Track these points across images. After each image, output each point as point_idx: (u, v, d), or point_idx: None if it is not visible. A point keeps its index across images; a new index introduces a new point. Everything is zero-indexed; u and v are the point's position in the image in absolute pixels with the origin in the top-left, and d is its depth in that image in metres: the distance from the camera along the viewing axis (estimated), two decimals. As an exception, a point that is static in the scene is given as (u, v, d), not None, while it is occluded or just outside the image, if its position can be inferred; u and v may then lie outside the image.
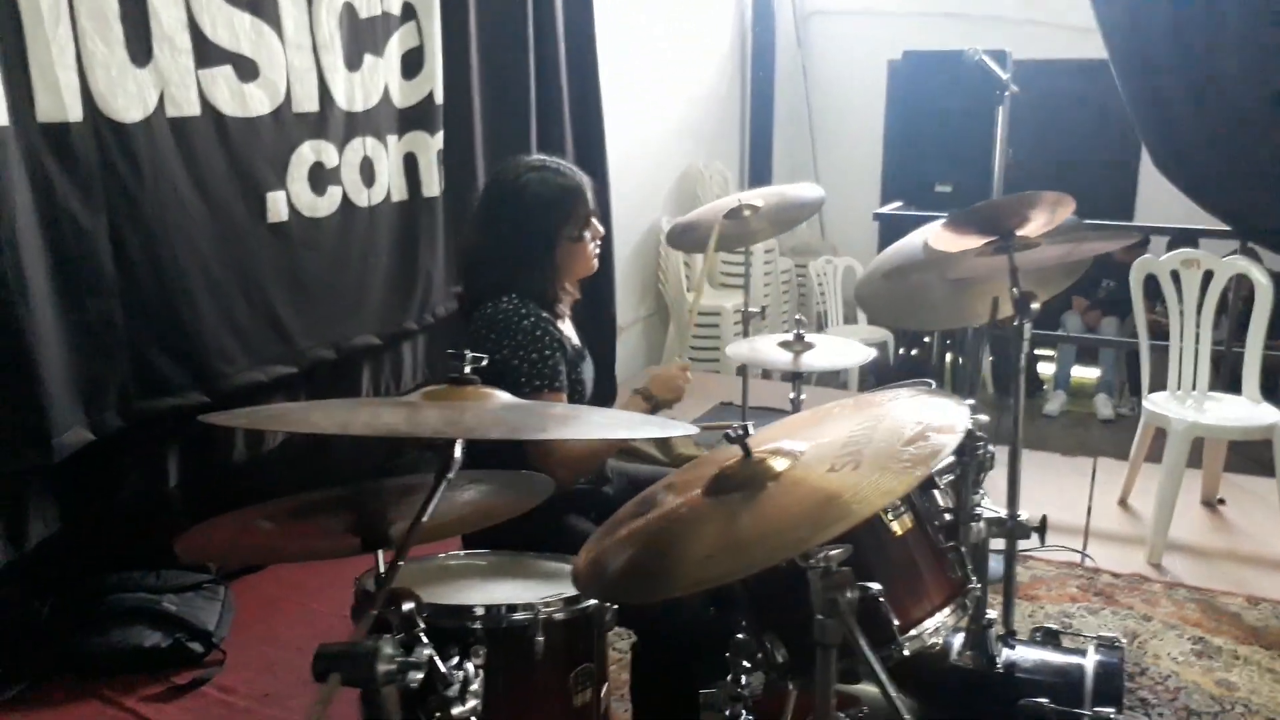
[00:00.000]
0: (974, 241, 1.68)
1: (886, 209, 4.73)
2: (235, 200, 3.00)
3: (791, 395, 2.55)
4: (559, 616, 1.53)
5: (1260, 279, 3.54)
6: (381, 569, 1.41)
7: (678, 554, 1.11)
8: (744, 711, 2.02)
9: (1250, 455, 4.10)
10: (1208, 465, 3.82)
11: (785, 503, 1.10)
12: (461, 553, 1.85)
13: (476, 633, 1.49)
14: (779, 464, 1.18)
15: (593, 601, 1.59)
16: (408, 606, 1.36)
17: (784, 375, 4.64)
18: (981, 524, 1.59)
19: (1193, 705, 2.64)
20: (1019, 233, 1.65)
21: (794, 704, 1.62)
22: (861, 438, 1.17)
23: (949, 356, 5.84)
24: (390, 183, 3.52)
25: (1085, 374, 6.46)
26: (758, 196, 2.72)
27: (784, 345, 2.48)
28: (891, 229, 5.67)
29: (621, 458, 2.41)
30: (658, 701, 2.07)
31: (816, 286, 6.36)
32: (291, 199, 3.17)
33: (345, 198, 3.35)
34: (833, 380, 5.88)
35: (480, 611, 1.50)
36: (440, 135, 3.65)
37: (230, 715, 2.58)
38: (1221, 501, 3.87)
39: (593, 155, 4.36)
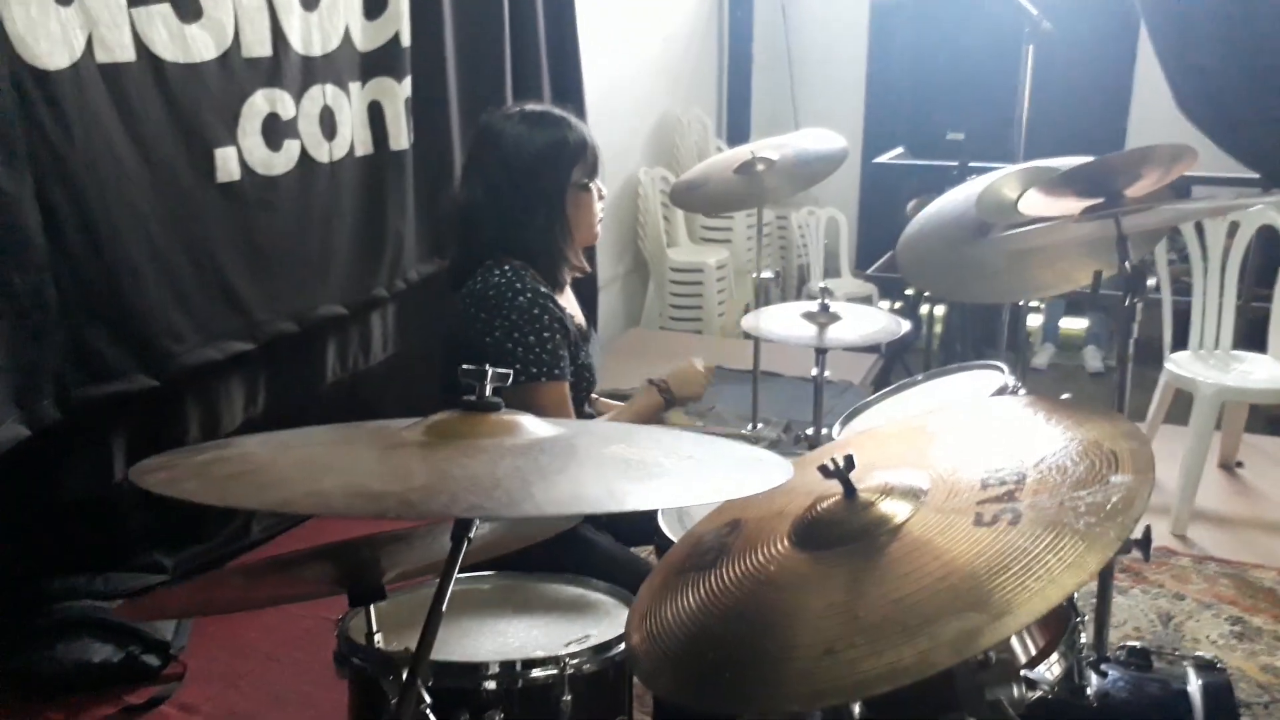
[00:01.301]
0: (1073, 205, 1.43)
1: (885, 157, 4.45)
2: (179, 158, 2.66)
3: (814, 372, 2.30)
4: (588, 668, 1.28)
5: (1289, 230, 3.33)
6: (374, 625, 1.14)
7: (781, 644, 0.83)
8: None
9: (1265, 415, 3.92)
10: (1228, 427, 3.64)
11: (923, 572, 0.83)
12: (461, 576, 1.57)
13: (491, 694, 1.23)
14: (897, 509, 0.92)
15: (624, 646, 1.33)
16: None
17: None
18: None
19: (1241, 695, 2.46)
20: (1128, 193, 1.40)
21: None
22: (1008, 474, 0.91)
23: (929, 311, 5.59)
24: (354, 135, 3.18)
25: (1073, 325, 6.27)
26: (772, 148, 2.44)
27: (808, 317, 2.22)
28: (886, 178, 5.41)
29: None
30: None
31: (799, 239, 6.09)
32: (243, 155, 2.83)
33: (304, 152, 3.01)
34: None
35: (495, 669, 1.23)
36: (408, 82, 3.30)
37: (193, 738, 2.32)
38: (1240, 464, 3.70)
39: (571, 100, 4.03)
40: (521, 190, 1.88)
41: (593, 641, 1.31)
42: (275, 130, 2.91)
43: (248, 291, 2.89)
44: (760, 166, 2.38)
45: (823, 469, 0.93)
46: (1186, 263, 3.54)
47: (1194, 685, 1.50)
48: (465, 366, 0.92)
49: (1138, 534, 1.50)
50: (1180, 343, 3.50)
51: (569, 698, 1.24)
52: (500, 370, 0.93)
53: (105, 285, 2.51)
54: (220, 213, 2.79)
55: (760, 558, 0.96)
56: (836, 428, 1.88)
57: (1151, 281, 1.44)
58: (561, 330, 1.83)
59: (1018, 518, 0.84)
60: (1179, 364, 3.37)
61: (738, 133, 6.35)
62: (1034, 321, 6.24)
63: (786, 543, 0.96)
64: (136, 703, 2.40)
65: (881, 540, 0.89)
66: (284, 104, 2.93)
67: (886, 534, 0.90)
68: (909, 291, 5.93)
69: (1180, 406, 3.39)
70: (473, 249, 1.92)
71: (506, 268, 1.83)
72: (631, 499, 0.75)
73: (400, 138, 3.34)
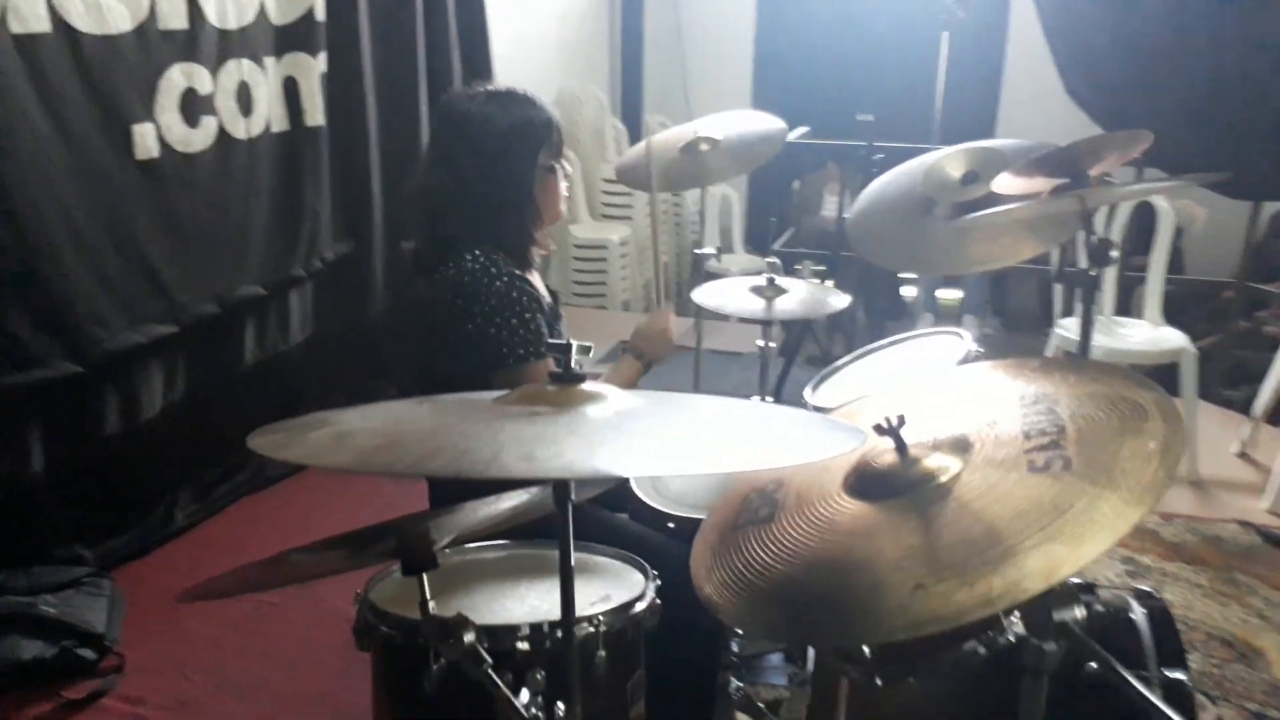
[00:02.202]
0: (1042, 185, 1.55)
1: (793, 136, 4.57)
2: (98, 134, 2.57)
3: (760, 343, 2.40)
4: (617, 626, 1.34)
5: (1163, 204, 3.61)
6: (428, 593, 1.17)
7: (869, 583, 0.90)
8: (732, 679, 1.90)
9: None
10: (1108, 388, 3.93)
11: (991, 512, 0.92)
12: (469, 546, 1.60)
13: (529, 653, 1.28)
14: (949, 462, 1.01)
15: (644, 606, 1.40)
16: (469, 638, 1.14)
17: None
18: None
19: (1141, 630, 2.70)
20: (1092, 172, 1.53)
21: (847, 693, 1.49)
22: (1047, 425, 1.00)
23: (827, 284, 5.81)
24: (270, 111, 3.11)
25: (949, 295, 6.58)
26: (715, 129, 2.51)
27: (756, 290, 2.30)
28: (775, 157, 5.54)
29: None
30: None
31: (693, 216, 6.21)
32: (162, 132, 2.74)
33: (221, 129, 2.94)
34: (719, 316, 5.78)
35: (526, 630, 1.29)
36: (323, 57, 3.25)
37: (145, 730, 2.27)
38: (1117, 421, 4.00)
39: (481, 75, 4.02)
40: (491, 172, 1.85)
41: (615, 602, 1.37)
42: (193, 106, 2.83)
43: (170, 273, 2.81)
44: (704, 147, 2.45)
45: (878, 428, 1.02)
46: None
47: (1138, 613, 1.66)
48: (551, 341, 0.97)
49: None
50: (1066, 309, 3.78)
51: (603, 653, 1.30)
52: (583, 344, 0.98)
53: (25, 268, 2.42)
54: (141, 192, 2.70)
55: (821, 510, 1.04)
56: (808, 391, 1.97)
57: (1114, 254, 1.58)
58: (539, 309, 1.84)
59: (1069, 463, 0.94)
60: (1068, 329, 3.63)
61: (631, 110, 6.41)
62: (910, 291, 6.53)
63: (845, 495, 1.04)
64: (76, 698, 2.33)
65: (943, 488, 0.98)
66: (201, 79, 2.84)
67: (946, 482, 0.99)
68: (798, 266, 6.15)
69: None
70: (440, 234, 1.89)
71: (478, 253, 1.81)
72: (733, 460, 0.82)
73: (316, 114, 3.28)
